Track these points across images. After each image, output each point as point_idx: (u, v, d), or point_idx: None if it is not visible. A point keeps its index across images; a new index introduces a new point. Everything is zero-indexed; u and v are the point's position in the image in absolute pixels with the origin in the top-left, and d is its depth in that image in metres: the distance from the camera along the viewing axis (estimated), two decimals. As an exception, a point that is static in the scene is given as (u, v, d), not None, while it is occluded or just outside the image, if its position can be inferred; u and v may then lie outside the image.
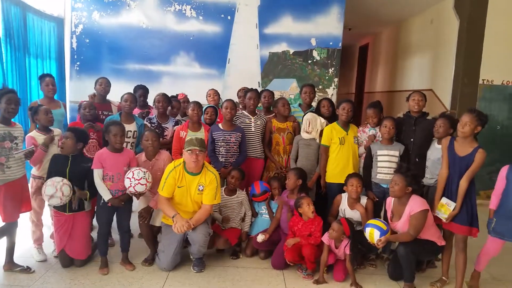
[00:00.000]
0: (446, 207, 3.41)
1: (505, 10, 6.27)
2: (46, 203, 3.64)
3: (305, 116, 4.36)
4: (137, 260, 3.85)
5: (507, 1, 6.28)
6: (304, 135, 4.31)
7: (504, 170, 3.38)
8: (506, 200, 3.33)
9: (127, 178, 3.54)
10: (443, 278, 3.67)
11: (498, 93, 6.50)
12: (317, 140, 4.29)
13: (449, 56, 6.72)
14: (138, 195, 3.64)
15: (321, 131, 4.29)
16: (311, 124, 4.27)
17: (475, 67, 6.40)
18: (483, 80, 6.45)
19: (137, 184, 3.51)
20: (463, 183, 3.33)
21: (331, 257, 3.70)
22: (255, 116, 4.57)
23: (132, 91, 4.58)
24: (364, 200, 3.91)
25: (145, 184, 3.54)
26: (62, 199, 3.42)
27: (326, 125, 4.32)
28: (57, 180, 3.40)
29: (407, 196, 3.47)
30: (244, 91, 4.79)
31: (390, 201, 3.66)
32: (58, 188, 3.37)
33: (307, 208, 3.74)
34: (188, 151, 3.59)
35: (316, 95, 5.69)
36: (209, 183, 3.69)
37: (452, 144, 3.45)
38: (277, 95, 5.42)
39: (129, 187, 3.53)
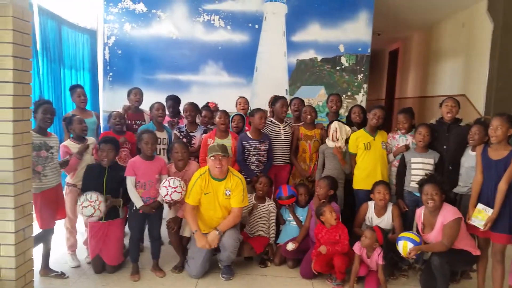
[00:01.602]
0: (484, 213, 3.27)
1: (541, 12, 6.05)
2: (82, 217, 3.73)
3: (331, 125, 4.33)
4: (168, 267, 3.90)
5: (544, 2, 6.07)
6: (329, 143, 4.28)
7: None
8: None
9: (163, 186, 3.60)
10: (479, 290, 3.54)
11: (535, 97, 6.26)
12: (343, 149, 4.25)
13: (483, 60, 6.54)
14: (174, 203, 3.70)
15: (347, 139, 4.26)
16: (338, 133, 4.24)
17: (510, 71, 6.19)
18: (518, 84, 6.23)
19: (173, 192, 3.57)
20: (502, 186, 3.21)
21: (363, 269, 3.63)
22: (284, 124, 4.58)
23: (160, 101, 4.66)
24: (390, 207, 3.84)
25: (181, 192, 3.61)
26: (100, 216, 3.56)
27: (353, 130, 4.29)
28: (93, 198, 3.48)
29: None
30: (274, 99, 4.79)
31: (420, 213, 3.56)
32: (96, 208, 3.48)
33: (330, 216, 3.70)
34: (212, 158, 3.63)
35: (345, 103, 5.64)
36: (236, 187, 3.73)
37: (486, 150, 3.35)
38: (305, 103, 5.39)
39: (165, 195, 3.60)
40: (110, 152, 3.68)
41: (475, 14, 6.95)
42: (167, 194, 3.58)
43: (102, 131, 5.15)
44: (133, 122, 4.67)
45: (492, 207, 3.25)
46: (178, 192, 3.58)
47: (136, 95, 4.78)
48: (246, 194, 3.81)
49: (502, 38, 6.18)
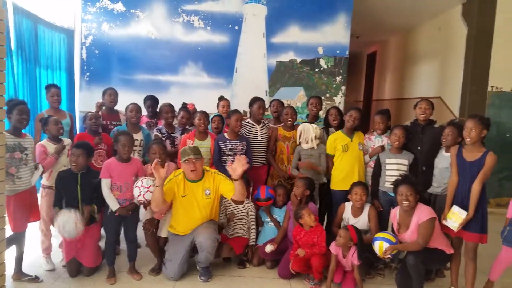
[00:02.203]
0: (458, 215, 3.35)
1: (513, 17, 6.24)
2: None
3: (298, 128, 4.38)
4: (144, 270, 3.86)
5: (516, 8, 6.26)
6: (303, 145, 4.33)
7: None
8: None
9: (136, 187, 3.56)
10: (452, 287, 3.62)
11: (508, 100, 6.46)
12: (315, 147, 4.29)
13: (458, 64, 6.70)
14: (148, 203, 3.66)
15: (318, 137, 4.31)
16: (304, 134, 4.29)
17: (484, 74, 6.37)
18: (492, 87, 6.41)
19: (146, 192, 3.52)
20: (476, 187, 3.29)
21: (338, 275, 3.66)
22: (261, 125, 4.60)
23: (138, 102, 4.61)
24: (367, 208, 3.89)
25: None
26: (82, 227, 3.47)
27: (330, 132, 4.33)
28: (71, 220, 3.38)
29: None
30: (251, 100, 4.80)
31: (395, 213, 3.62)
32: (75, 226, 3.39)
33: (309, 218, 3.73)
34: (185, 161, 3.61)
35: (324, 104, 5.69)
36: (217, 181, 3.74)
37: (461, 152, 3.42)
38: (284, 104, 5.43)
39: (138, 195, 3.55)
40: (81, 158, 3.54)
41: (451, 19, 7.11)
42: (140, 194, 3.53)
43: (77, 132, 5.07)
44: (108, 123, 4.61)
45: (466, 208, 3.33)
46: (151, 192, 3.52)
47: (111, 96, 4.71)
48: (227, 178, 3.78)
49: (476, 42, 6.35)
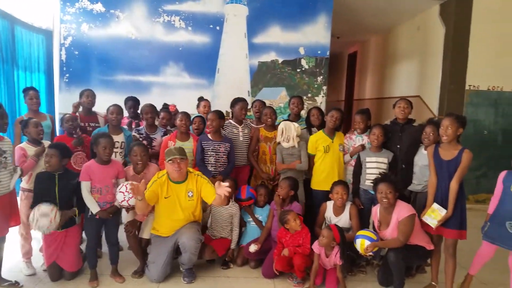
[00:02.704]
0: (437, 213, 3.41)
1: (488, 18, 6.39)
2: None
3: (279, 126, 4.40)
4: (127, 272, 3.83)
5: (491, 8, 6.41)
6: (284, 144, 4.35)
7: (501, 176, 3.42)
8: (500, 206, 3.36)
9: (120, 192, 3.52)
10: (433, 283, 3.68)
11: (484, 98, 6.61)
12: (296, 147, 4.32)
13: (436, 63, 6.82)
14: (131, 208, 3.63)
15: (298, 136, 4.33)
16: (286, 133, 4.30)
17: (461, 73, 6.51)
18: (469, 86, 6.55)
19: (130, 198, 3.49)
20: (454, 185, 3.35)
21: (319, 277, 3.69)
22: (243, 125, 4.61)
23: (119, 103, 4.57)
24: (348, 206, 3.94)
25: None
26: (56, 226, 3.43)
27: (313, 132, 4.36)
28: (46, 211, 3.35)
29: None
30: (233, 101, 4.80)
31: (376, 211, 3.68)
32: (52, 219, 3.36)
33: (294, 223, 3.76)
34: (170, 161, 3.59)
35: (306, 104, 5.74)
36: (199, 184, 3.73)
37: (437, 151, 3.48)
38: (267, 104, 5.45)
39: (122, 201, 3.53)
40: (53, 158, 3.48)
41: (429, 19, 7.23)
42: (124, 199, 3.51)
43: (58, 134, 4.99)
44: (86, 125, 4.54)
45: (445, 206, 3.40)
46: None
47: (88, 97, 4.62)
48: (210, 182, 3.78)
49: (454, 42, 6.48)
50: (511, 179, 3.34)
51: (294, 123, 4.39)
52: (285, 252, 3.72)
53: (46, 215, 3.35)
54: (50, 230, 3.41)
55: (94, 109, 4.75)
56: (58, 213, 3.42)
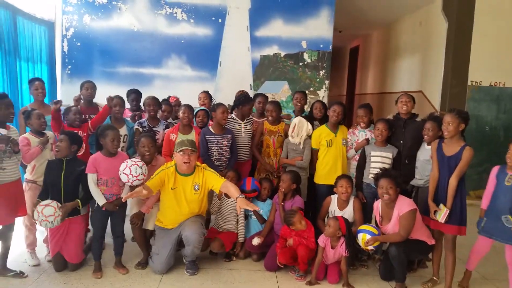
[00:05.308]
0: (443, 209, 3.44)
1: (492, 12, 6.37)
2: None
3: (293, 120, 4.41)
4: (131, 264, 3.86)
5: (494, 3, 6.39)
6: (291, 139, 4.36)
7: (494, 171, 3.46)
8: (495, 200, 3.40)
9: (124, 174, 3.49)
10: (434, 278, 3.72)
11: (486, 94, 6.61)
12: (301, 146, 4.33)
13: (438, 58, 6.81)
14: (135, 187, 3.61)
15: (306, 137, 4.34)
16: (296, 129, 4.31)
17: (464, 68, 6.49)
18: (471, 81, 6.55)
19: (135, 180, 3.51)
20: (453, 181, 3.38)
21: (321, 272, 3.72)
22: (245, 121, 4.61)
23: (121, 94, 4.56)
24: (352, 200, 3.96)
25: (143, 179, 3.55)
26: (60, 222, 3.45)
27: (315, 126, 4.38)
28: (50, 213, 3.37)
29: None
30: (242, 99, 4.68)
31: (377, 205, 3.70)
32: (55, 218, 3.39)
33: (300, 225, 3.76)
34: (180, 152, 3.61)
35: (308, 98, 5.73)
36: (206, 176, 3.73)
37: (441, 146, 3.50)
38: (269, 98, 5.44)
39: (126, 182, 3.53)
40: (63, 142, 3.53)
41: (431, 13, 7.21)
42: (128, 181, 3.51)
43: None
44: (87, 116, 4.52)
45: (445, 202, 3.43)
46: (140, 180, 3.52)
47: (88, 90, 4.62)
48: (216, 174, 3.80)
49: (456, 37, 6.46)
50: (504, 173, 3.38)
51: (308, 123, 4.36)
52: (290, 242, 3.74)
53: (50, 216, 3.37)
54: (54, 225, 3.43)
55: (95, 100, 4.75)
56: (61, 211, 3.44)
